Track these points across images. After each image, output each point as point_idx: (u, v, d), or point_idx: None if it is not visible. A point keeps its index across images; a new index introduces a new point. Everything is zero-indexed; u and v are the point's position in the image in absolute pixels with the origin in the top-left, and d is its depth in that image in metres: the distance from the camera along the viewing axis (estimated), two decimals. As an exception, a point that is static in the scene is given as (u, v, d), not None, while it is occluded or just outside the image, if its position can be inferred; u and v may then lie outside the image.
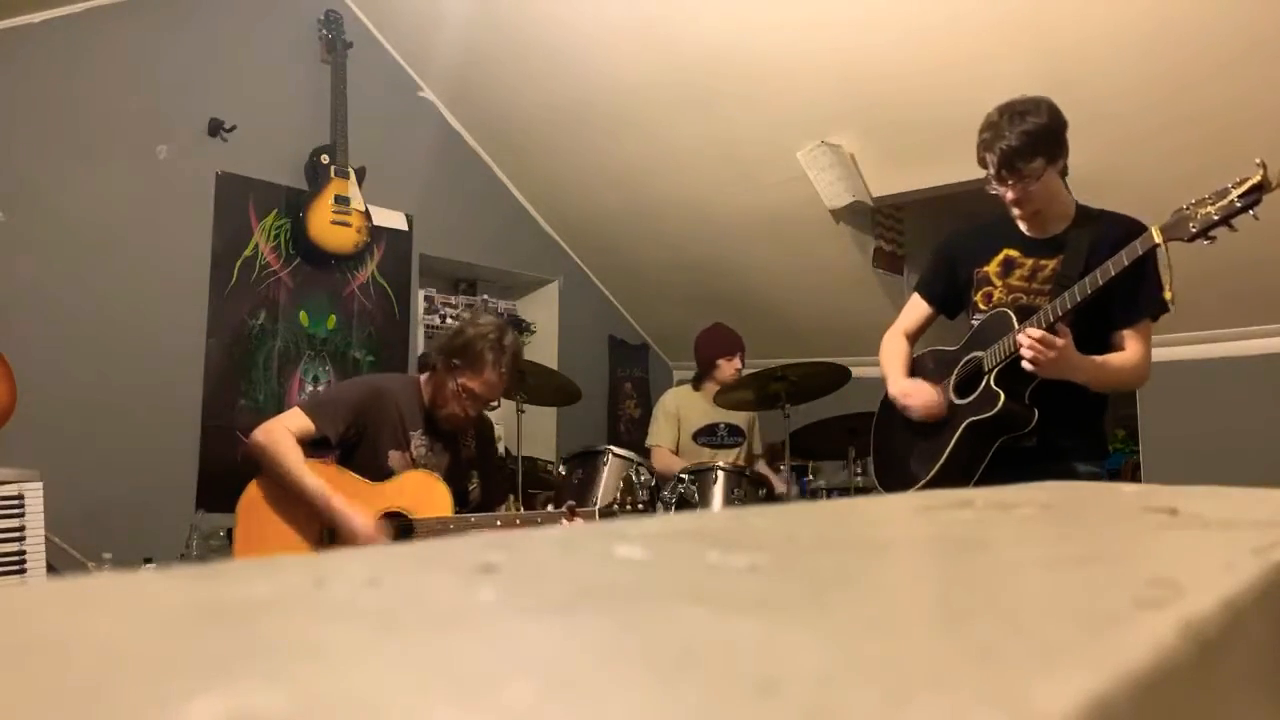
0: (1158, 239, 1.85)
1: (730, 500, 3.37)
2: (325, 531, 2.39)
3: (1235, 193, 1.80)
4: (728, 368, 3.94)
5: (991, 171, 2.03)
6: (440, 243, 4.44)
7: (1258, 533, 0.47)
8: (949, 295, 2.34)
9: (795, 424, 3.44)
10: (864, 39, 3.30)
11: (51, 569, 2.46)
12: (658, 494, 3.34)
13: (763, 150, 3.91)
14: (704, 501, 3.37)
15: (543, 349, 4.95)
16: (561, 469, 3.55)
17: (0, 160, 3.15)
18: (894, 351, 2.35)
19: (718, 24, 3.48)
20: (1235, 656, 0.32)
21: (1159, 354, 3.58)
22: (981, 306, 2.18)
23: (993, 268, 2.18)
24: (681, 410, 4.02)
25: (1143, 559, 0.47)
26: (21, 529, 2.39)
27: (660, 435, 4.01)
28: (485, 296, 4.94)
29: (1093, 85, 3.03)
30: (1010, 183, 2.03)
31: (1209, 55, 2.79)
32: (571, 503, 2.56)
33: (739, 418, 3.99)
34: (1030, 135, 1.97)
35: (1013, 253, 2.16)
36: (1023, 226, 2.14)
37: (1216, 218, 1.81)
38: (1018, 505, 0.65)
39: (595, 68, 3.90)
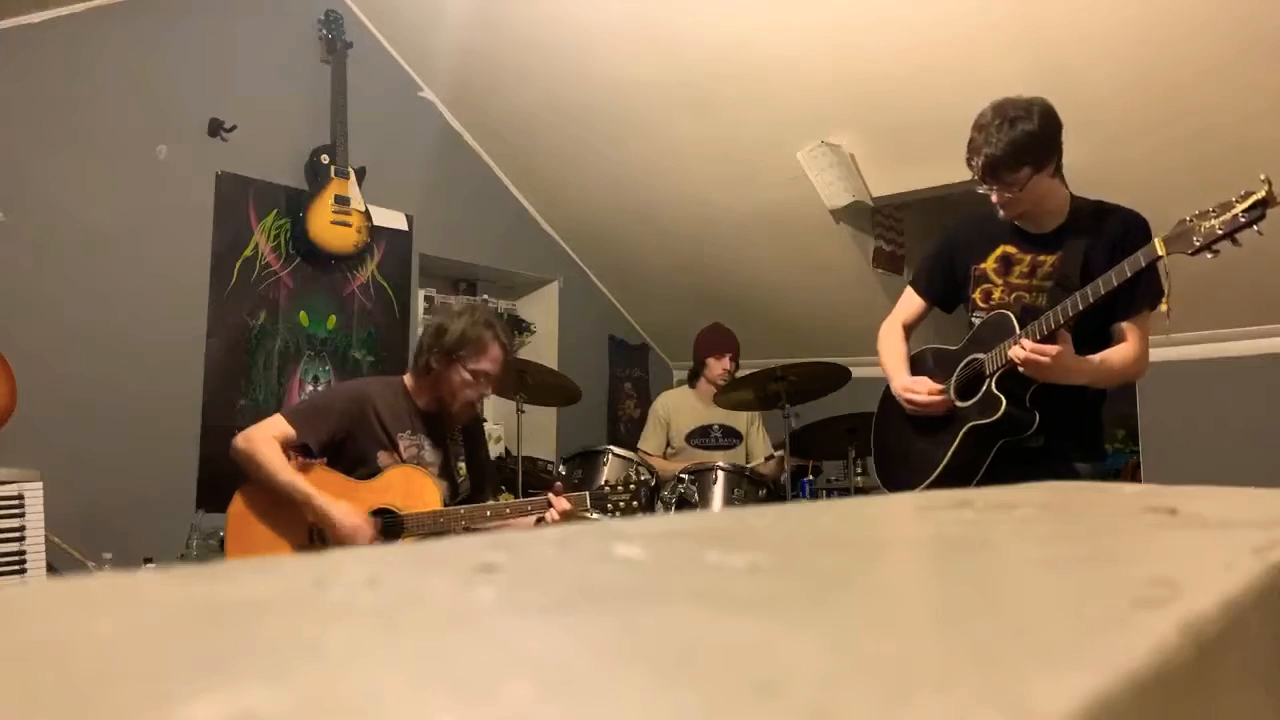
0: (1161, 251, 1.83)
1: (730, 500, 3.37)
2: (314, 533, 2.39)
3: (1239, 207, 1.77)
4: (716, 366, 3.95)
5: (976, 175, 2.03)
6: (440, 243, 4.44)
7: (1258, 533, 0.47)
8: (946, 291, 2.32)
9: (795, 424, 3.44)
10: (864, 39, 3.30)
11: (51, 569, 2.46)
12: (658, 494, 3.34)
13: (763, 150, 3.91)
14: (704, 501, 3.37)
15: (543, 349, 4.94)
16: (561, 469, 3.55)
17: (0, 160, 3.15)
18: (894, 345, 2.33)
19: (718, 24, 3.48)
20: (1234, 656, 0.32)
21: (1159, 354, 3.59)
22: (980, 304, 2.17)
23: (990, 264, 2.17)
24: (672, 414, 4.02)
25: (1143, 559, 0.47)
26: (21, 529, 2.39)
27: (645, 440, 4.02)
28: (485, 296, 4.94)
29: (1090, 84, 3.04)
30: (993, 188, 2.03)
31: (1205, 53, 2.79)
32: (559, 484, 2.57)
33: (736, 419, 3.99)
34: (1016, 145, 1.96)
35: (1010, 249, 2.15)
36: (1018, 222, 2.13)
37: (1221, 232, 1.78)
38: (1018, 505, 0.65)
39: (596, 68, 3.90)
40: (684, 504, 3.34)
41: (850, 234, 4.17)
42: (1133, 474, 3.93)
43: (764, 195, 4.10)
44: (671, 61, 3.72)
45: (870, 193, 3.90)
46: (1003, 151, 1.96)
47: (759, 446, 4.06)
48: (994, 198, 2.05)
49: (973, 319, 2.19)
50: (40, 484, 2.44)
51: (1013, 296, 2.12)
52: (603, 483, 3.23)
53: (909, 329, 2.36)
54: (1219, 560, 0.40)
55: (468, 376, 2.51)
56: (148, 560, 2.85)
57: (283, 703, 0.21)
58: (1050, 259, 2.09)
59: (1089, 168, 3.25)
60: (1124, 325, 2.04)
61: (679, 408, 4.03)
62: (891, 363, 2.29)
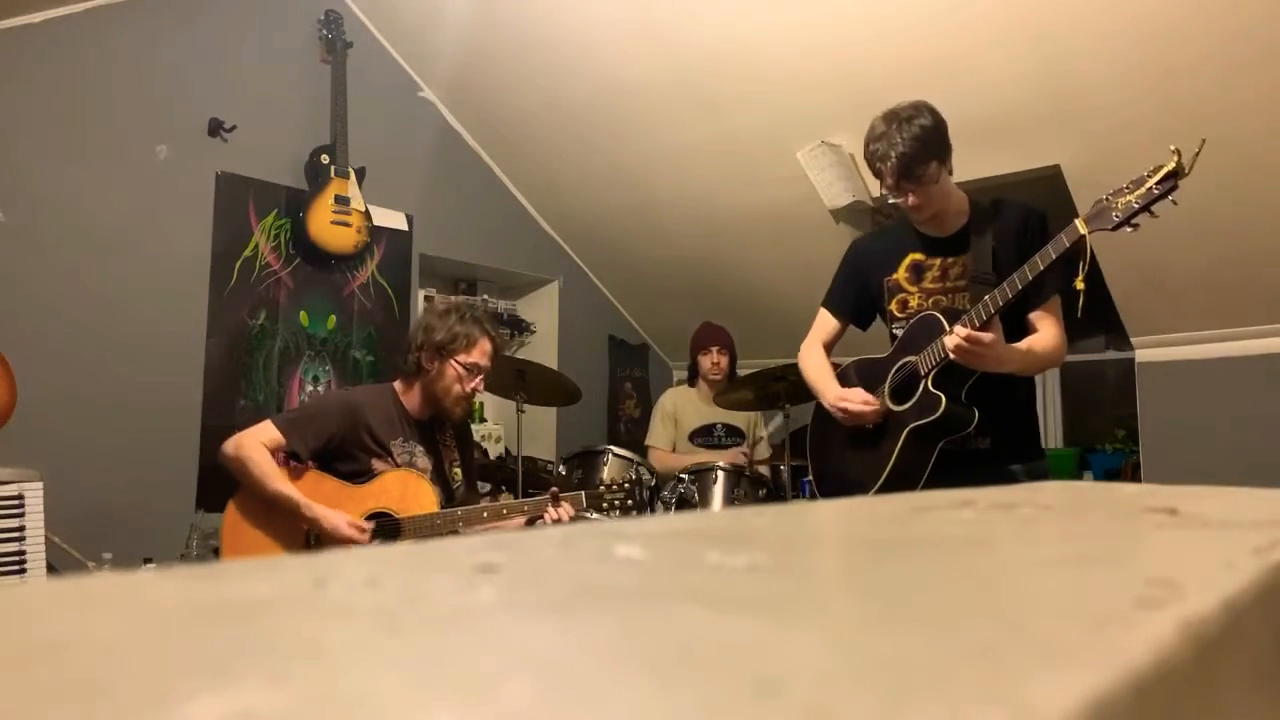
0: (1083, 230, 1.87)
1: (730, 500, 3.37)
2: (310, 540, 2.38)
3: (1151, 181, 1.82)
4: (705, 361, 3.96)
5: (890, 181, 2.05)
6: (440, 243, 4.44)
7: (1258, 533, 0.47)
8: (860, 307, 2.35)
9: (795, 424, 3.44)
10: (864, 39, 3.29)
11: (51, 569, 2.46)
12: (657, 494, 3.34)
13: (763, 150, 3.90)
14: (704, 501, 3.37)
15: (543, 349, 4.94)
16: (561, 469, 3.55)
17: (0, 160, 3.15)
18: (818, 362, 2.35)
19: (718, 23, 3.48)
20: (1235, 656, 0.32)
21: (1159, 354, 3.61)
22: (899, 314, 2.20)
23: (901, 274, 2.20)
24: (679, 410, 4.02)
25: (1143, 559, 0.47)
26: (21, 529, 2.38)
27: (656, 436, 4.01)
28: (485, 296, 4.94)
29: (1088, 81, 3.04)
30: (910, 189, 2.04)
31: (1200, 45, 2.79)
32: (555, 489, 2.57)
33: (739, 418, 3.99)
34: (920, 140, 2.00)
35: (918, 256, 2.18)
36: (921, 228, 2.16)
37: (1137, 206, 1.82)
38: (1018, 505, 0.65)
39: (596, 67, 3.90)
40: (684, 504, 3.34)
41: (850, 234, 4.16)
42: (1133, 474, 3.93)
43: (764, 195, 4.10)
44: (671, 61, 3.72)
45: (870, 193, 3.90)
46: (910, 148, 1.99)
47: (761, 446, 4.06)
48: (909, 201, 2.08)
49: (894, 330, 2.22)
50: (40, 484, 2.44)
51: (930, 301, 2.15)
52: (600, 482, 3.23)
53: (828, 349, 2.39)
54: (1219, 560, 0.40)
55: (460, 370, 2.52)
56: (148, 560, 2.85)
57: (283, 703, 0.21)
58: (959, 260, 2.12)
59: (1085, 163, 3.26)
60: (1037, 314, 2.09)
61: (684, 405, 4.04)
62: (820, 379, 2.30)
